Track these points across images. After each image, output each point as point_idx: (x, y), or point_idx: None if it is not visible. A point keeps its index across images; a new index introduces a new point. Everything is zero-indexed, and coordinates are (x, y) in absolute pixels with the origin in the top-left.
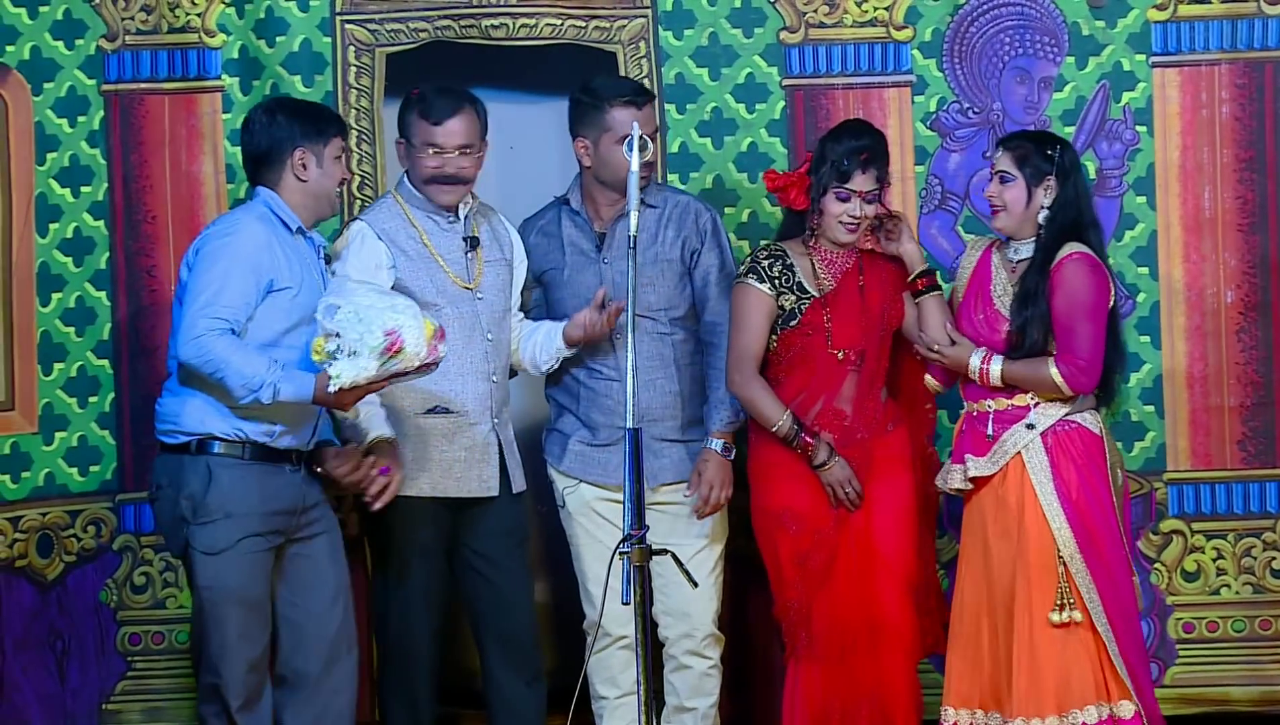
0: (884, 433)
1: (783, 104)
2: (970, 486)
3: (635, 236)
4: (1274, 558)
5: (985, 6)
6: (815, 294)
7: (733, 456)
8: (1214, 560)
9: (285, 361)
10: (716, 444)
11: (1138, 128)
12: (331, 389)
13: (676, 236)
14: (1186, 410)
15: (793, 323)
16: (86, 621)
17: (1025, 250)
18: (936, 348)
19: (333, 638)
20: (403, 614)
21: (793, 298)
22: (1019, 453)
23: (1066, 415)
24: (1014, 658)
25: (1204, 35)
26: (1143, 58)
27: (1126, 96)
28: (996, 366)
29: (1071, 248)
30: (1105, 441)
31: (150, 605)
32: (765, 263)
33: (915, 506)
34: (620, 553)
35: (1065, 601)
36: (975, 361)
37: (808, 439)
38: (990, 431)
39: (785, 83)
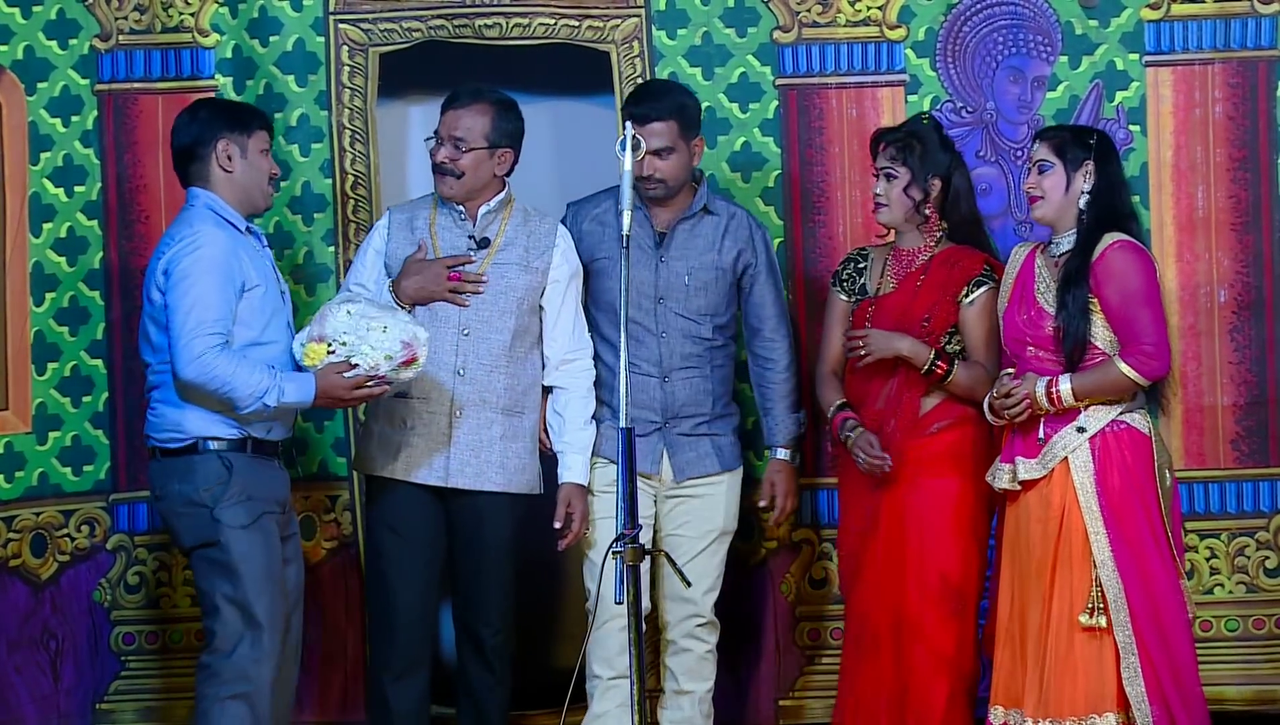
0: (925, 433)
1: (776, 103)
2: (1018, 487)
3: (629, 236)
4: (1267, 557)
5: (978, 6)
6: (871, 293)
7: (799, 462)
8: (1207, 559)
9: (273, 361)
10: (784, 454)
11: (1131, 127)
12: (349, 376)
13: (733, 246)
14: (1180, 409)
15: (848, 324)
16: (80, 621)
17: (1066, 243)
18: (999, 403)
19: (292, 642)
20: (374, 591)
21: (854, 299)
22: (1067, 455)
23: (1117, 416)
24: (1046, 657)
25: (1197, 34)
26: (1136, 57)
27: (1120, 96)
28: (1065, 385)
29: (1113, 237)
30: (1154, 442)
31: (144, 605)
32: (841, 267)
33: (956, 509)
34: (614, 552)
35: (1095, 605)
36: (1041, 390)
37: (834, 420)
38: (1041, 434)
39: (779, 82)
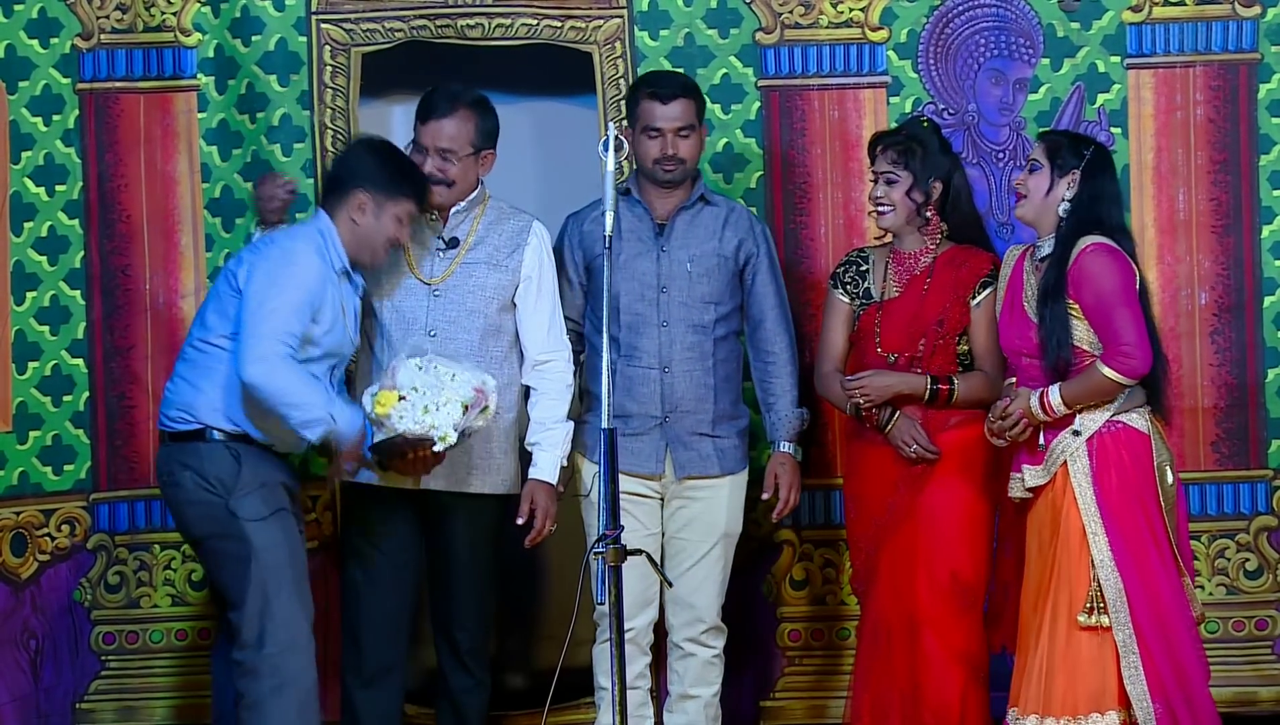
0: (943, 429)
1: (758, 104)
2: (1030, 495)
3: (610, 236)
4: (1247, 559)
5: (961, 8)
6: (876, 298)
7: (801, 457)
8: None
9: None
10: (789, 447)
11: (1112, 129)
12: (439, 448)
13: (734, 236)
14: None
15: (854, 326)
16: (60, 621)
17: (1048, 247)
18: (998, 424)
19: None
20: (345, 597)
21: (858, 302)
22: (1066, 459)
23: (1112, 417)
24: (1050, 658)
25: (1178, 37)
26: (1117, 59)
27: (1101, 98)
28: (1055, 396)
29: (1087, 240)
30: (1153, 441)
31: (124, 604)
32: (841, 268)
33: (966, 507)
34: (595, 553)
35: (1095, 605)
36: (1035, 403)
37: (866, 410)
38: (1042, 441)
39: (761, 83)
